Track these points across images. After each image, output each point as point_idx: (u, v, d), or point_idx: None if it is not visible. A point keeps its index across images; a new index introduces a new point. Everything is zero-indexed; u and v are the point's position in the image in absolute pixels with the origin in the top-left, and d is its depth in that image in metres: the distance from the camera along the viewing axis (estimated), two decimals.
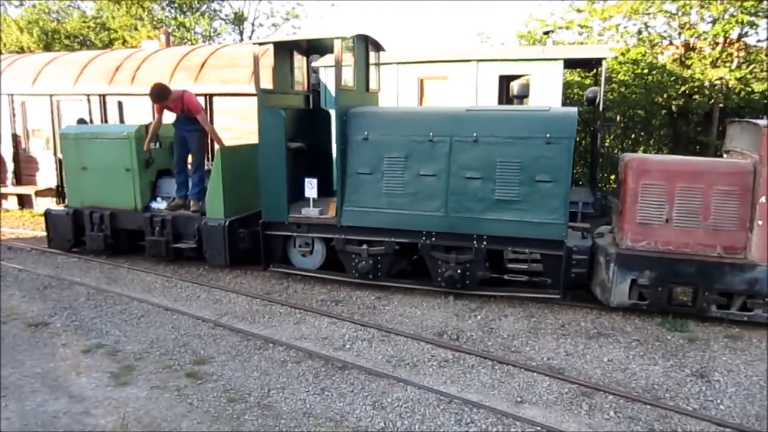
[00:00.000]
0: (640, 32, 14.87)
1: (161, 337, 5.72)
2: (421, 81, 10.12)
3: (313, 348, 5.43)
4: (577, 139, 7.22)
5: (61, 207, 8.93)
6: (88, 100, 11.36)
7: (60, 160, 11.73)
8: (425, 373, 4.94)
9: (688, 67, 13.63)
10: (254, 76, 6.96)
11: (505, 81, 10.27)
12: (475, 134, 6.23)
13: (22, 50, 20.05)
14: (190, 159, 8.10)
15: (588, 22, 14.99)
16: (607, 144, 13.39)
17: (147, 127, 8.05)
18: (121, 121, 9.85)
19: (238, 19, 22.44)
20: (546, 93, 9.25)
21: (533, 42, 15.77)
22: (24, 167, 12.47)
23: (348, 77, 7.02)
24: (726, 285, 5.71)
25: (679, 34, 14.39)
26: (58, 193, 11.74)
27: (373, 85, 7.86)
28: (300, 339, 5.66)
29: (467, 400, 4.46)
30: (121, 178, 8.11)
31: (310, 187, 6.92)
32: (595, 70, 11.85)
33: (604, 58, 9.71)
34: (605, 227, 7.11)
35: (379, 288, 7.01)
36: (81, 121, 9.23)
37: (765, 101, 13.40)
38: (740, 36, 13.64)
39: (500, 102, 10.04)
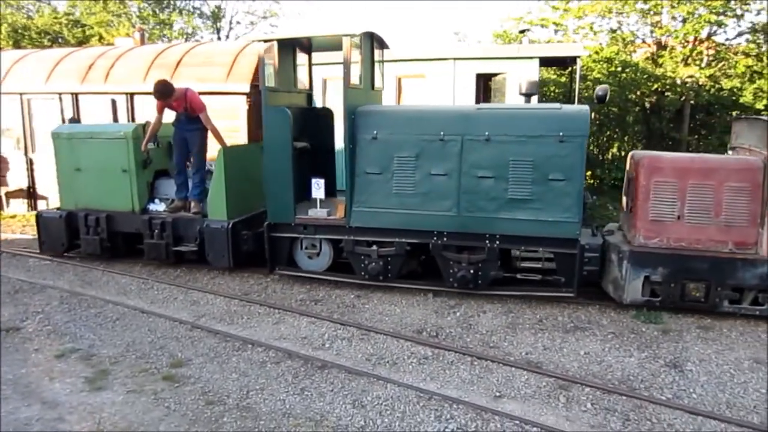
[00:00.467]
0: (613, 31, 15.11)
1: (137, 340, 5.64)
2: (399, 79, 10.14)
3: (293, 348, 5.41)
4: None
5: (53, 209, 8.60)
6: (60, 99, 11.13)
7: (31, 161, 11.55)
8: (405, 371, 4.95)
9: (660, 65, 13.90)
10: (259, 75, 6.76)
11: (481, 79, 10.35)
12: (487, 133, 6.15)
13: None
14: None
15: (563, 20, 15.17)
16: None
17: (144, 126, 7.85)
18: (115, 120, 9.57)
19: (215, 17, 22.22)
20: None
21: (509, 41, 15.91)
22: None
23: (356, 75, 6.89)
24: (738, 280, 5.78)
25: (651, 32, 14.66)
26: (30, 194, 11.49)
27: (377, 83, 7.74)
28: (279, 339, 5.63)
29: (447, 396, 4.49)
30: (117, 179, 7.83)
31: (318, 188, 6.79)
32: (570, 68, 12.01)
33: (579, 57, 9.84)
34: (613, 224, 7.12)
35: (359, 286, 7.01)
36: (73, 120, 8.90)
37: (733, 98, 13.71)
38: (709, 35, 13.94)
39: (477, 100, 10.11)
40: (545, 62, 10.84)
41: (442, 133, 6.29)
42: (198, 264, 7.75)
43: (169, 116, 7.74)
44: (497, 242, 6.29)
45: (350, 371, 4.94)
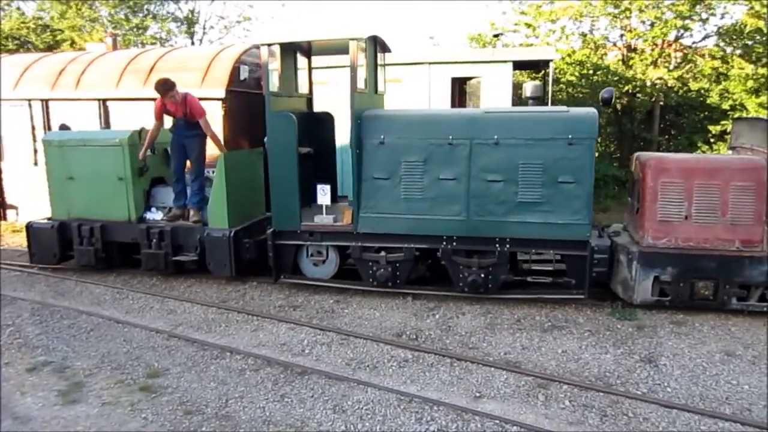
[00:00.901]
0: (584, 35, 15.37)
1: (112, 351, 5.54)
2: None
3: (272, 355, 5.37)
4: None
5: (43, 219, 8.30)
6: (30, 105, 10.90)
7: None
8: (385, 374, 4.96)
9: (631, 67, 14.18)
10: (263, 79, 6.61)
11: (457, 83, 10.44)
12: (495, 136, 6.14)
13: None
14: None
15: (536, 23, 15.38)
16: None
17: (140, 132, 7.66)
18: (107, 126, 9.35)
19: (189, 22, 22.00)
20: (496, 94, 9.45)
21: (483, 44, 16.07)
22: None
23: (362, 80, 6.82)
24: (745, 278, 5.86)
25: (621, 36, 14.96)
26: None
27: (380, 87, 7.68)
28: (258, 346, 5.58)
29: (427, 399, 4.50)
30: (112, 187, 7.62)
31: (323, 194, 6.68)
32: (543, 71, 12.18)
33: (551, 60, 9.99)
34: (617, 225, 7.15)
35: (338, 291, 6.99)
36: (63, 127, 8.53)
37: (701, 99, 14.06)
38: (677, 38, 14.28)
39: (452, 104, 10.19)
40: (519, 65, 10.99)
41: (450, 137, 6.26)
42: (198, 274, 7.59)
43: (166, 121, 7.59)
44: (507, 246, 6.29)
45: (330, 376, 4.92)
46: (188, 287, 7.38)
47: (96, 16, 20.04)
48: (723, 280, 5.89)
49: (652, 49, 14.16)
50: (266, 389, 4.75)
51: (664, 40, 14.06)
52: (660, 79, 13.85)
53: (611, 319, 6.05)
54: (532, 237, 6.19)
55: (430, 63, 9.62)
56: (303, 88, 7.90)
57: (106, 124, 10.35)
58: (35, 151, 10.76)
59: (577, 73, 14.50)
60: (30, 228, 8.13)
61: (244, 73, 10.34)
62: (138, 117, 9.55)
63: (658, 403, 4.38)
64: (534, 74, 14.65)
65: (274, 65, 6.93)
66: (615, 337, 5.61)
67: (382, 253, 6.63)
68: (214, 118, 9.77)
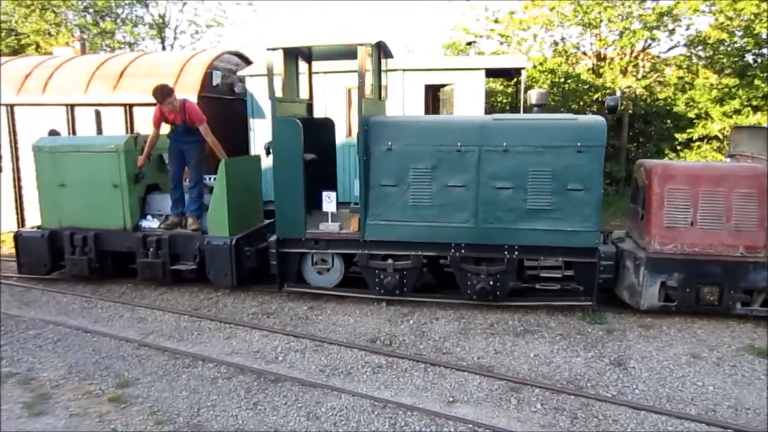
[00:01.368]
0: (556, 43, 15.67)
1: (81, 361, 5.42)
2: (349, 90, 10.18)
3: (245, 362, 5.32)
4: None
5: (33, 227, 8.03)
6: None
7: None
8: (359, 380, 4.95)
9: (600, 75, 14.50)
10: (268, 84, 6.48)
11: (430, 90, 10.53)
12: (504, 143, 6.12)
13: None
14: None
15: (509, 32, 15.61)
16: None
17: (135, 139, 7.47)
18: (99, 133, 9.09)
19: (159, 27, 21.72)
20: (469, 101, 9.56)
21: (457, 52, 16.24)
22: None
23: (369, 86, 6.71)
24: (749, 283, 5.94)
25: (591, 45, 15.29)
26: None
27: (383, 93, 7.64)
28: (231, 354, 5.53)
29: (401, 404, 4.51)
30: (107, 195, 7.40)
31: (329, 201, 6.60)
32: (515, 79, 12.36)
33: (524, 68, 10.15)
34: (618, 231, 7.16)
35: (312, 297, 6.97)
36: (53, 133, 8.25)
37: (668, 107, 14.44)
38: (644, 48, 14.66)
39: (426, 111, 10.27)
40: (492, 73, 11.11)
41: (459, 143, 6.23)
42: (197, 283, 7.42)
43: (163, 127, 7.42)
44: (516, 253, 6.27)
45: (304, 383, 4.90)
46: (159, 295, 7.27)
47: (60, 20, 19.63)
48: (728, 285, 5.97)
49: (621, 58, 14.51)
50: (239, 397, 4.70)
51: (632, 50, 14.43)
52: (629, 87, 14.20)
53: (582, 323, 6.15)
54: (540, 244, 6.20)
55: (404, 70, 9.68)
56: (303, 94, 7.84)
57: (72, 131, 10.16)
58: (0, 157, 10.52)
59: (549, 81, 14.75)
60: (19, 237, 7.83)
61: (216, 79, 10.28)
62: (109, 123, 9.40)
63: (627, 405, 4.47)
64: (506, 82, 14.89)
65: (279, 70, 6.85)
66: (586, 340, 5.70)
67: (390, 261, 6.56)
68: None
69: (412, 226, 6.41)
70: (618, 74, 14.15)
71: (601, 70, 14.62)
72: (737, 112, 12.30)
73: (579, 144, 6.01)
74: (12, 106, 10.59)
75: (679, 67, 14.36)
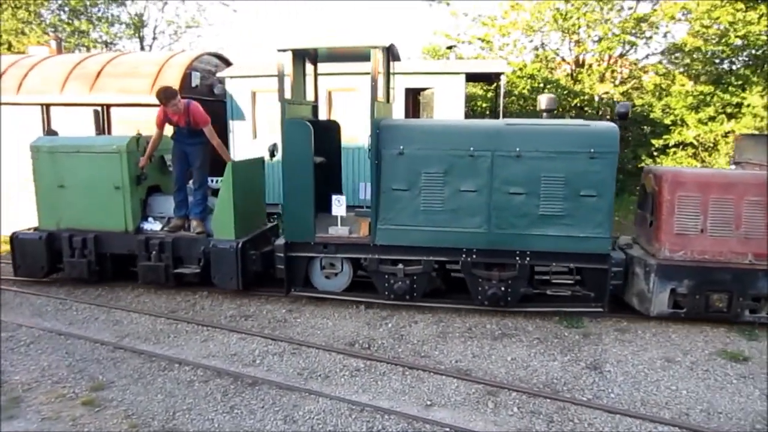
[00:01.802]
0: (536, 48, 15.86)
1: (54, 364, 5.32)
2: (329, 93, 10.18)
3: (222, 365, 5.28)
4: None
5: (29, 229, 7.76)
6: None
7: None
8: (337, 384, 4.94)
9: (579, 81, 14.70)
10: (278, 86, 6.38)
11: (411, 94, 10.57)
12: (517, 149, 6.10)
13: None
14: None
15: (489, 38, 15.76)
16: None
17: (138, 139, 7.32)
18: (98, 132, 8.88)
19: (136, 26, 21.45)
20: (450, 105, 9.62)
21: (437, 56, 16.34)
22: None
23: (382, 89, 6.66)
24: (758, 290, 5.97)
25: (570, 50, 15.51)
26: None
27: (391, 96, 7.58)
28: (208, 357, 5.48)
29: (378, 407, 4.51)
30: (108, 196, 7.22)
31: (338, 205, 6.52)
32: (495, 84, 12.48)
33: (503, 73, 10.25)
34: (625, 237, 7.17)
35: (290, 300, 6.94)
36: (51, 133, 7.97)
37: (645, 114, 14.69)
38: (622, 54, 14.92)
39: (407, 114, 10.31)
40: (471, 78, 11.21)
41: (471, 148, 6.18)
42: (199, 287, 7.28)
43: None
44: (528, 259, 6.27)
45: (281, 387, 4.87)
46: (136, 297, 7.17)
47: (33, 18, 19.29)
48: (737, 292, 6.00)
49: (599, 64, 14.74)
50: (215, 401, 4.66)
51: (610, 56, 14.67)
52: (606, 93, 14.42)
53: (559, 326, 6.22)
54: (552, 250, 6.20)
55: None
56: (308, 96, 7.79)
57: (48, 131, 9.98)
58: None
59: (528, 87, 14.92)
60: (15, 239, 7.59)
61: (195, 80, 10.20)
62: (85, 123, 9.26)
63: (602, 408, 4.52)
64: (486, 86, 15.01)
65: (288, 72, 6.79)
66: (562, 344, 5.76)
67: (400, 266, 6.50)
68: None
69: (424, 230, 6.36)
70: (596, 80, 14.37)
71: (579, 77, 14.83)
72: (712, 119, 12.57)
73: (592, 150, 6.00)
74: None
75: (656, 73, 14.64)
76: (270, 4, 43.61)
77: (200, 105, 7.06)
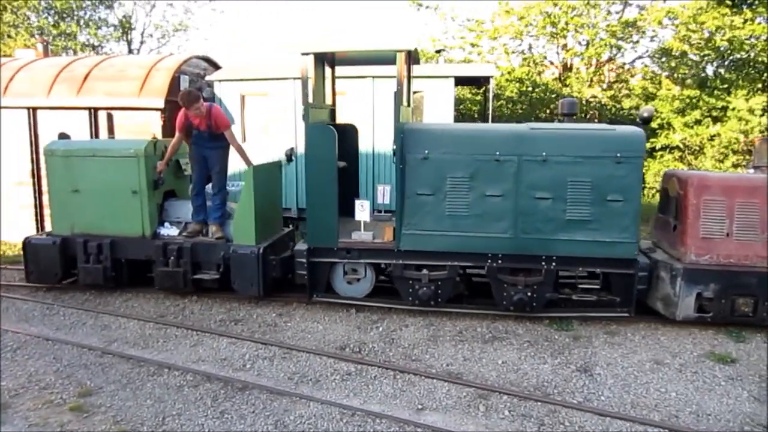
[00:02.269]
0: (524, 52, 15.96)
1: (41, 369, 5.26)
2: (243, 97, 10.14)
3: (212, 370, 5.24)
4: None
5: (42, 234, 7.62)
6: None
7: None
8: (328, 388, 4.93)
9: (567, 85, 14.82)
10: (302, 90, 6.35)
11: None
12: (544, 153, 6.07)
13: None
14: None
15: (478, 41, 15.84)
16: None
17: (155, 143, 7.23)
18: (96, 135, 8.73)
19: (124, 28, 21.30)
20: (439, 109, 9.64)
21: (426, 60, 16.39)
22: None
23: (406, 93, 6.62)
24: None
25: (558, 54, 15.63)
26: None
27: (411, 100, 7.55)
28: (197, 362, 5.43)
29: (369, 412, 4.50)
30: (125, 201, 7.11)
31: (362, 210, 6.46)
32: (484, 87, 12.53)
33: (492, 76, 10.29)
34: (645, 242, 7.12)
35: (280, 305, 6.91)
36: (63, 136, 7.87)
37: (632, 117, 14.84)
38: (610, 58, 15.06)
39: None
40: (460, 81, 11.24)
41: (497, 153, 6.15)
42: (218, 293, 7.16)
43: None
44: (554, 264, 6.24)
45: (272, 391, 4.85)
46: (124, 302, 7.11)
47: (19, 21, 19.10)
48: (762, 296, 5.99)
49: (587, 68, 14.86)
50: (205, 406, 4.62)
51: (598, 60, 14.80)
52: (594, 97, 14.54)
53: (549, 329, 6.24)
54: (578, 255, 6.18)
55: (373, 77, 9.70)
56: (327, 99, 7.74)
57: (34, 135, 9.88)
58: None
59: (516, 90, 15.00)
60: (28, 244, 7.44)
61: (184, 83, 10.14)
62: (73, 127, 9.17)
63: (592, 411, 4.55)
64: (475, 90, 15.07)
65: (311, 75, 6.74)
66: (552, 347, 5.79)
67: (425, 271, 6.44)
68: (153, 128, 9.54)
69: (449, 235, 6.32)
70: (584, 84, 14.50)
71: (567, 80, 14.94)
72: (698, 122, 12.71)
73: (618, 155, 5.99)
74: None
75: (644, 77, 14.79)
76: (252, 4, 43.51)
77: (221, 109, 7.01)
